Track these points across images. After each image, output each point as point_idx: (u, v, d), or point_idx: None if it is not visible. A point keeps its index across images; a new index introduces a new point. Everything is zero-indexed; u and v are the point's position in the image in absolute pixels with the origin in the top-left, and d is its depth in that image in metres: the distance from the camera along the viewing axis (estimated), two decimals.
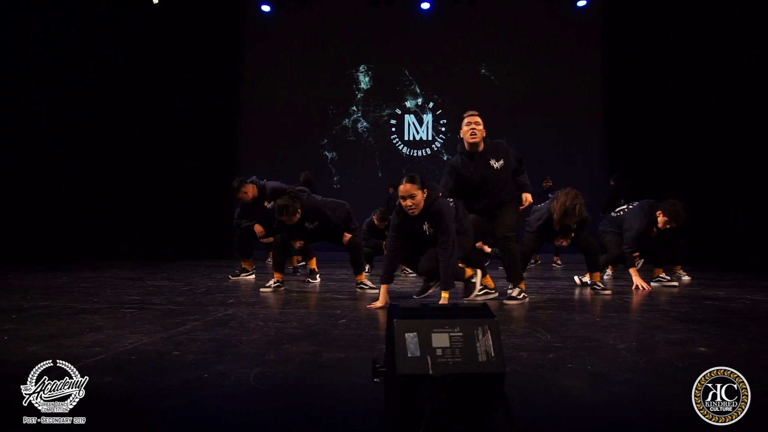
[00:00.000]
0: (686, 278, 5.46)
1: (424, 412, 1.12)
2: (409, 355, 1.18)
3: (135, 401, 1.44)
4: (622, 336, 2.39)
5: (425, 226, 3.40)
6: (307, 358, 1.94)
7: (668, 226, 4.69)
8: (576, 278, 4.91)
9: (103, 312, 2.95)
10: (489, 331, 1.22)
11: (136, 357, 1.92)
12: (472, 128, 3.52)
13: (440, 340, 1.20)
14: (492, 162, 3.57)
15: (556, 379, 1.68)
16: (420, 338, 1.19)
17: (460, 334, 1.21)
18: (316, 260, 5.27)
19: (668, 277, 4.95)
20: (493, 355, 1.19)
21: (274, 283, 4.25)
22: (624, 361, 1.91)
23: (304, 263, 5.91)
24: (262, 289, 4.21)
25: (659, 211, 4.68)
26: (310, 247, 5.27)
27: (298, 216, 4.26)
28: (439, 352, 1.19)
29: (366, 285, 4.31)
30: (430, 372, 1.16)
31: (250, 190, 5.21)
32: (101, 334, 2.31)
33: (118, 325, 2.57)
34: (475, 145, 3.56)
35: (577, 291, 4.45)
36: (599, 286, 4.21)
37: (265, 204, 5.16)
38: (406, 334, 1.19)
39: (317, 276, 5.09)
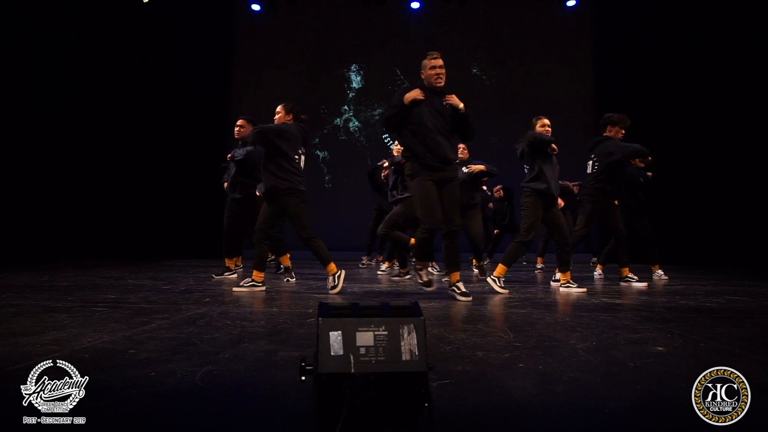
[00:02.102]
0: (658, 277, 5.46)
1: (342, 411, 1.12)
2: (332, 353, 1.18)
3: None
4: (585, 335, 2.39)
5: None
6: (261, 357, 1.94)
7: (621, 135, 4.96)
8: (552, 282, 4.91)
9: (73, 311, 2.95)
10: (414, 330, 1.22)
11: (89, 355, 1.93)
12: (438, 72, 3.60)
13: (364, 338, 1.20)
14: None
15: (502, 379, 1.68)
16: (344, 337, 1.19)
17: (385, 333, 1.21)
18: (289, 257, 5.23)
19: (636, 277, 4.96)
20: (417, 353, 1.19)
21: (248, 283, 4.24)
22: (577, 361, 1.92)
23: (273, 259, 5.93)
24: (235, 289, 4.19)
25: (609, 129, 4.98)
26: (282, 243, 5.21)
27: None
28: (362, 350, 1.19)
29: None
30: (352, 371, 1.16)
31: (248, 127, 5.18)
32: (63, 333, 2.31)
33: (83, 323, 2.57)
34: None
35: (558, 291, 4.44)
36: (572, 284, 4.22)
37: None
38: (330, 333, 1.19)
39: (292, 273, 5.06)
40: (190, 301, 3.45)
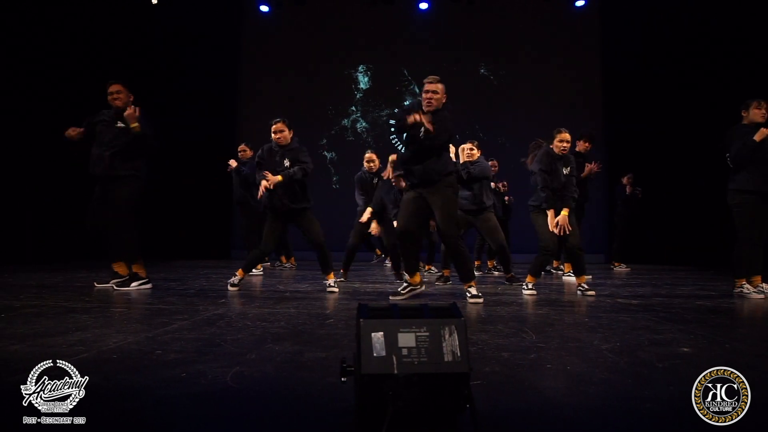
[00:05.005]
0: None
1: (387, 412, 1.12)
2: (374, 354, 1.18)
3: (101, 399, 1.44)
4: (608, 336, 2.39)
5: None
6: (288, 358, 1.94)
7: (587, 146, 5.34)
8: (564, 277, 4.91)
9: (92, 311, 2.96)
10: (456, 332, 1.22)
11: (117, 356, 1.93)
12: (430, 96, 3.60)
13: (406, 339, 1.20)
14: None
15: (532, 380, 1.68)
16: (386, 338, 1.20)
17: (427, 334, 1.21)
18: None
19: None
20: (458, 355, 1.20)
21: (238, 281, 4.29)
22: (605, 362, 1.91)
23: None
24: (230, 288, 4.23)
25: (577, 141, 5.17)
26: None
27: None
28: (404, 351, 1.19)
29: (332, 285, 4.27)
30: (395, 372, 1.16)
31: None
32: (87, 333, 2.32)
33: (105, 324, 2.58)
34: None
35: (570, 291, 4.43)
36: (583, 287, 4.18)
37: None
38: (373, 334, 1.20)
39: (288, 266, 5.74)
40: (207, 302, 3.46)
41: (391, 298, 3.76)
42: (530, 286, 4.13)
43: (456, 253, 3.69)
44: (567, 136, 4.24)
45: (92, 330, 2.40)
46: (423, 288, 3.92)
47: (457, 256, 3.70)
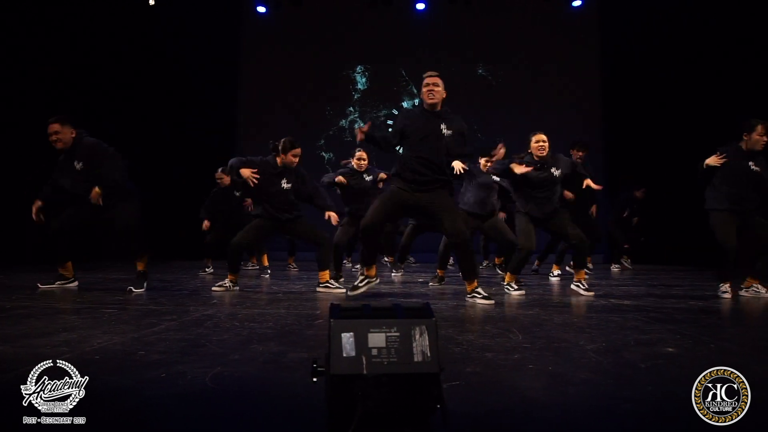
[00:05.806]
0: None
1: (356, 412, 1.12)
2: (344, 355, 1.18)
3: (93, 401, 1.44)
4: (594, 337, 2.38)
5: None
6: (271, 359, 1.94)
7: (581, 154, 5.50)
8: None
9: (82, 312, 2.97)
10: (426, 332, 1.22)
11: (100, 357, 1.93)
12: (430, 89, 3.54)
13: (376, 339, 1.20)
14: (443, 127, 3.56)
15: (513, 380, 1.68)
16: (356, 338, 1.19)
17: (397, 334, 1.21)
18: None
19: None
20: (429, 355, 1.19)
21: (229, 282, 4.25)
22: (588, 362, 1.91)
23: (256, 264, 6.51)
24: (213, 288, 4.20)
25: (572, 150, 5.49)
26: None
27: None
28: (374, 352, 1.18)
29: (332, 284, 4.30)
30: (364, 372, 1.16)
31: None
32: (73, 334, 2.32)
33: (93, 325, 2.58)
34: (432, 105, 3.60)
35: (565, 290, 4.42)
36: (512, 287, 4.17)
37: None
38: (343, 334, 1.19)
39: (268, 271, 5.88)
40: (198, 303, 3.46)
41: (349, 293, 3.74)
42: (513, 285, 4.12)
43: (469, 251, 3.59)
44: (542, 136, 4.25)
45: (79, 331, 2.40)
46: (378, 280, 3.86)
47: (469, 255, 3.61)
